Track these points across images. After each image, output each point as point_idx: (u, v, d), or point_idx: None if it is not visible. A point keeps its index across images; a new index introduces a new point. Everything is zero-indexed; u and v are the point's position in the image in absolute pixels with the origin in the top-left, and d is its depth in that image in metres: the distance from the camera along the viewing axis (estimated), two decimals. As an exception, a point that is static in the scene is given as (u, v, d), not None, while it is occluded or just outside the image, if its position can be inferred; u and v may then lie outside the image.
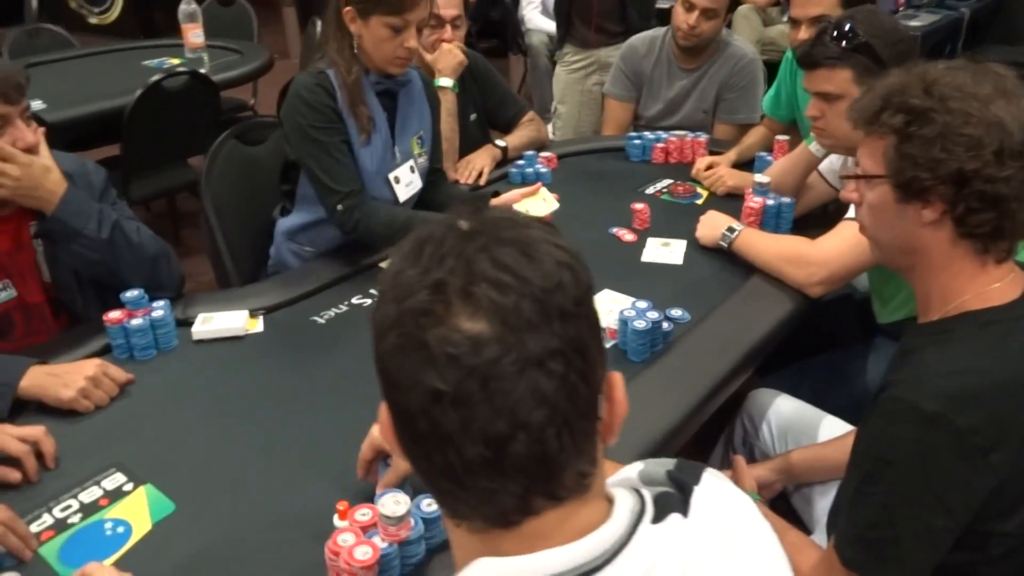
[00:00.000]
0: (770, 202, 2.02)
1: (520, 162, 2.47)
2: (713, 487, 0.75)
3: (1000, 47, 5.17)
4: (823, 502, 1.57)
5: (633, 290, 1.78)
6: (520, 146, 2.53)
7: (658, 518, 0.69)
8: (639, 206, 2.11)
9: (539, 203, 2.01)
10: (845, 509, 1.15)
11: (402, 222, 1.87)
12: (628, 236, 2.07)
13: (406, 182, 2.02)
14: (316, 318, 1.74)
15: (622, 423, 0.70)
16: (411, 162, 2.02)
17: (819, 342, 1.99)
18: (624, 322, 1.57)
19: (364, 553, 1.04)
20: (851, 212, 1.72)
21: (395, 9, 1.79)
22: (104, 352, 1.62)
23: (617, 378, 0.69)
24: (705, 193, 2.33)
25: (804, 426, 1.72)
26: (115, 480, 1.29)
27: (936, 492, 1.06)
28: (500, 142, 2.49)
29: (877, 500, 1.09)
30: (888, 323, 1.94)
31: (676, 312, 1.65)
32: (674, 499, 0.72)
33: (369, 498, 1.18)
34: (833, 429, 1.69)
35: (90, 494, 1.27)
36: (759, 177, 2.06)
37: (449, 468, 0.62)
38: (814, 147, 1.99)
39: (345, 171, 1.86)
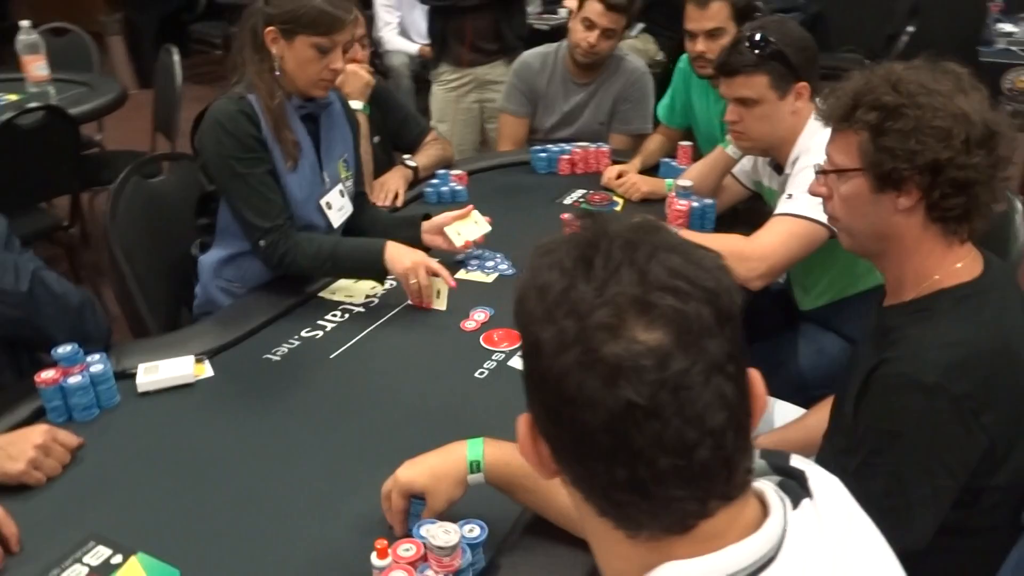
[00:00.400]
0: (695, 204, 2.12)
1: (434, 181, 2.46)
2: (811, 468, 0.78)
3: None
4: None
5: None
6: (429, 165, 2.52)
7: (794, 505, 0.71)
8: (569, 216, 2.14)
9: (471, 226, 2.01)
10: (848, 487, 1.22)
11: (328, 253, 1.82)
12: None
13: (338, 207, 1.96)
14: (269, 356, 1.66)
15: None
16: (340, 186, 1.97)
17: (745, 335, 2.11)
18: None
19: (426, 589, 1.00)
20: (784, 207, 1.83)
21: (323, 30, 1.74)
22: (36, 418, 1.47)
23: (756, 374, 0.70)
24: (621, 200, 2.41)
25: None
26: (99, 554, 1.17)
27: (941, 457, 1.15)
28: (410, 162, 2.47)
29: (887, 470, 1.16)
30: (811, 309, 2.09)
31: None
32: (794, 485, 0.74)
33: (387, 530, 1.15)
34: (786, 412, 1.80)
35: (75, 573, 1.14)
36: (682, 181, 2.15)
37: (634, 480, 0.61)
38: (731, 150, 2.10)
39: (269, 204, 1.78)
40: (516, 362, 1.61)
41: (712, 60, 2.37)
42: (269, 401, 1.53)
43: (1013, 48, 4.64)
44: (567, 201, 2.43)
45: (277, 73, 1.79)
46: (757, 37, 1.87)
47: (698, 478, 0.62)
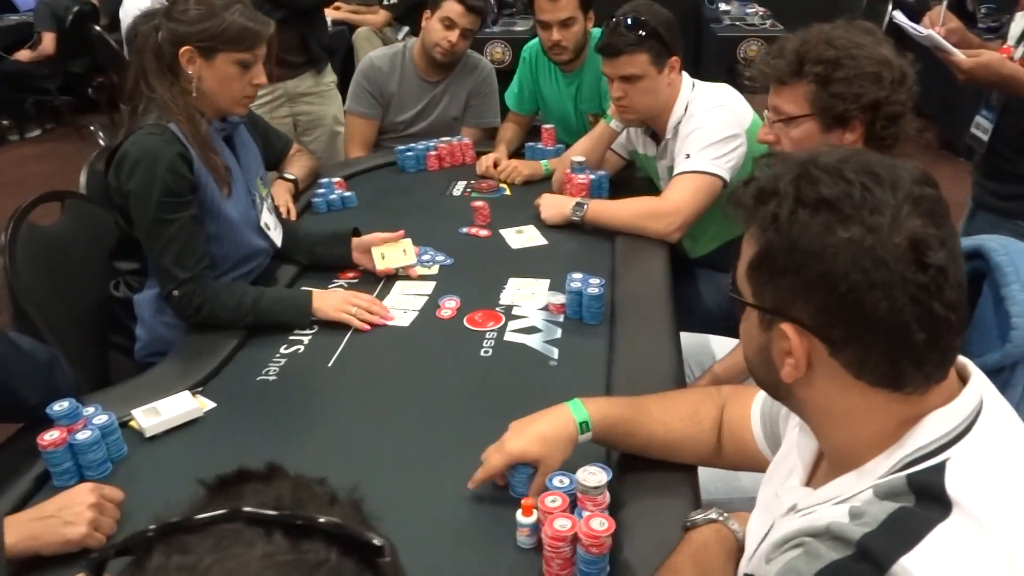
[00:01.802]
0: (592, 176, 2.32)
1: (320, 190, 2.46)
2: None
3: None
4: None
5: (535, 273, 1.96)
6: (305, 177, 2.50)
7: None
8: (479, 204, 2.27)
9: (398, 253, 1.98)
10: None
11: (249, 306, 1.74)
12: (482, 232, 2.22)
13: (274, 226, 1.93)
14: (264, 377, 1.63)
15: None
16: (266, 205, 1.94)
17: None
18: (577, 293, 1.75)
19: (600, 524, 1.11)
20: (685, 166, 2.10)
21: (247, 45, 1.72)
22: (39, 486, 1.35)
23: None
24: (506, 186, 2.56)
25: (698, 350, 2.07)
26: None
27: None
28: (288, 175, 2.44)
29: None
30: (701, 256, 2.39)
31: (595, 279, 1.84)
32: None
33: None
34: (721, 344, 2.07)
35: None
36: (576, 157, 2.35)
37: (931, 337, 0.76)
38: (614, 123, 2.34)
39: (190, 253, 1.71)
40: (512, 336, 1.73)
41: (568, 47, 2.61)
42: (287, 419, 1.52)
43: (737, 23, 5.41)
44: (456, 192, 2.54)
45: (193, 95, 1.73)
46: (631, 20, 2.12)
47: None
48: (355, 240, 2.01)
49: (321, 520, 0.46)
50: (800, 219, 0.78)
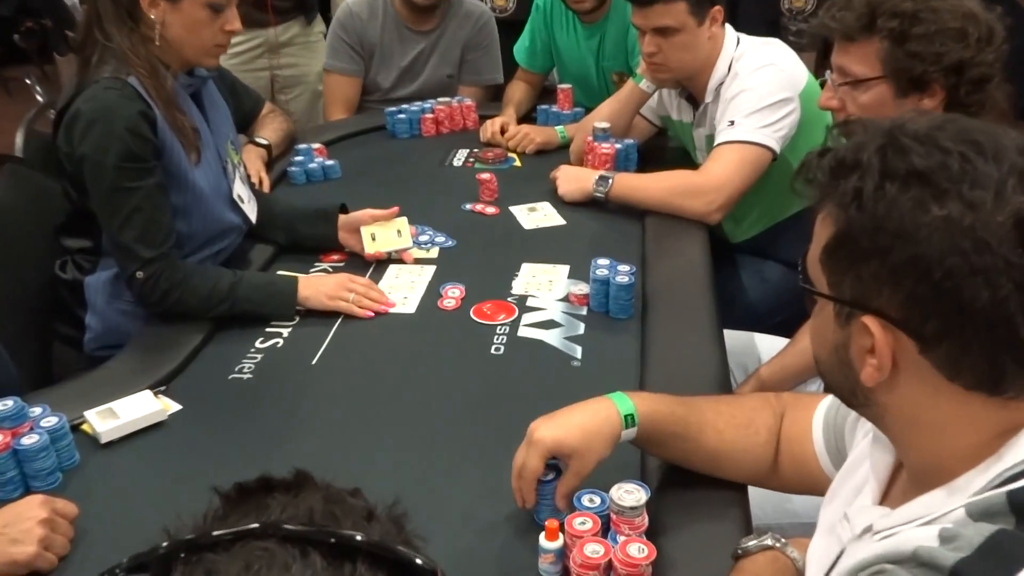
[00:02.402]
0: (618, 146, 2.33)
1: (298, 158, 2.46)
2: None
3: None
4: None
5: (551, 258, 1.97)
6: (279, 142, 2.51)
7: None
8: (485, 176, 2.27)
9: (391, 234, 1.97)
10: None
11: (226, 291, 1.74)
12: (490, 210, 2.23)
13: (247, 198, 1.93)
14: (237, 376, 1.63)
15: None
16: (238, 173, 1.94)
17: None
18: (603, 282, 1.75)
19: (639, 550, 1.12)
20: (729, 135, 2.10)
21: None
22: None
23: None
24: (516, 155, 2.57)
25: (740, 350, 2.08)
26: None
27: None
28: (261, 139, 2.44)
29: None
30: (744, 241, 2.40)
31: (624, 266, 1.84)
32: None
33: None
34: (768, 344, 2.08)
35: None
36: (599, 123, 2.36)
37: None
38: (644, 84, 2.34)
39: (156, 228, 1.70)
40: (526, 331, 1.73)
41: None
42: (264, 425, 1.52)
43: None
44: (457, 163, 2.54)
45: (156, 44, 1.73)
46: None
47: None
48: (342, 218, 2.01)
49: (362, 538, 0.47)
50: (887, 195, 0.78)
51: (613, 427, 1.20)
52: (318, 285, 1.79)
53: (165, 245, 1.71)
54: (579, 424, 1.20)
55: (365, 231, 1.97)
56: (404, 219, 1.99)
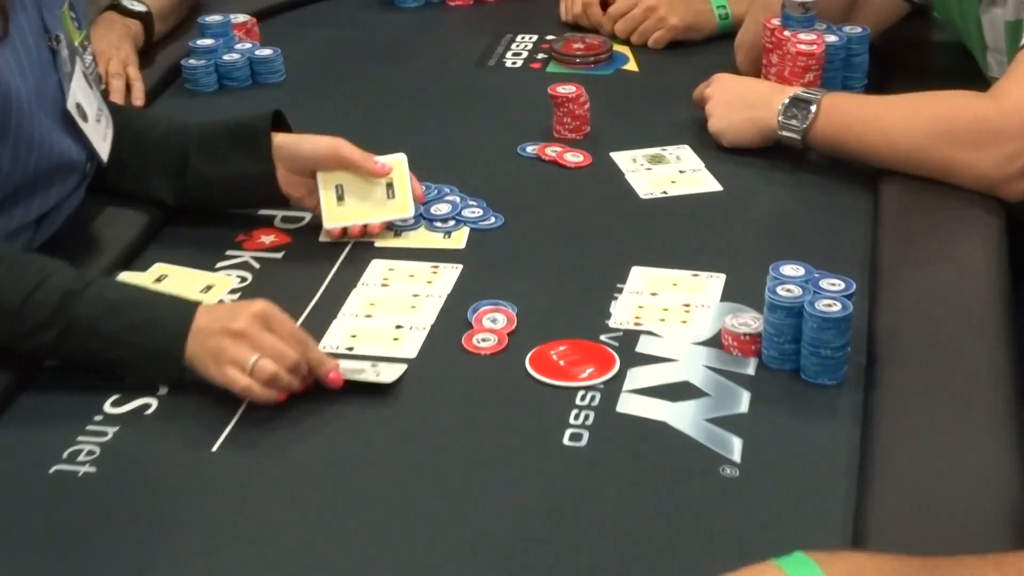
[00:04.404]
0: (832, 38, 1.56)
1: (205, 41, 1.71)
2: None
3: None
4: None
5: (691, 259, 1.27)
6: (167, 7, 1.80)
7: None
8: (567, 91, 1.53)
9: (377, 191, 1.31)
10: None
11: (52, 308, 1.05)
12: (572, 156, 1.49)
13: (95, 113, 1.30)
14: (63, 466, 0.97)
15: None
16: (80, 65, 1.31)
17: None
18: (791, 311, 1.04)
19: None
20: (1013, 33, 1.38)
21: None
22: None
23: None
24: (628, 51, 1.81)
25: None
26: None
27: None
28: (133, 3, 1.74)
29: None
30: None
31: (832, 282, 1.12)
32: None
33: None
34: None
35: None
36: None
37: None
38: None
39: None
40: (635, 401, 1.01)
41: None
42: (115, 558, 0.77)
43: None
44: (508, 62, 1.78)
45: None
46: None
47: None
48: (282, 145, 1.30)
49: None
50: None
51: None
52: (213, 328, 1.06)
53: None
54: None
55: (326, 180, 1.29)
56: (402, 161, 1.31)
